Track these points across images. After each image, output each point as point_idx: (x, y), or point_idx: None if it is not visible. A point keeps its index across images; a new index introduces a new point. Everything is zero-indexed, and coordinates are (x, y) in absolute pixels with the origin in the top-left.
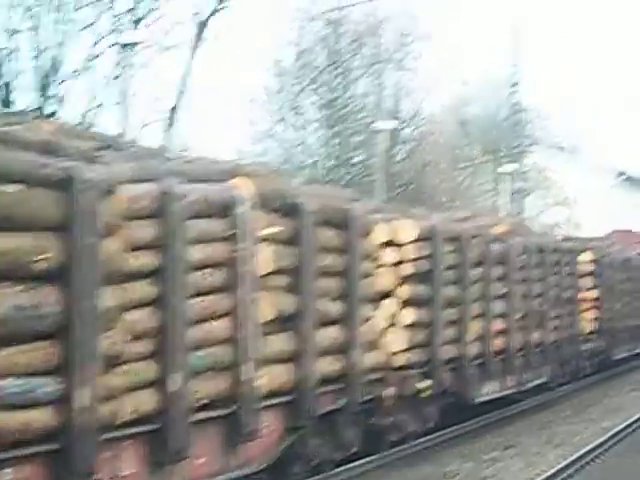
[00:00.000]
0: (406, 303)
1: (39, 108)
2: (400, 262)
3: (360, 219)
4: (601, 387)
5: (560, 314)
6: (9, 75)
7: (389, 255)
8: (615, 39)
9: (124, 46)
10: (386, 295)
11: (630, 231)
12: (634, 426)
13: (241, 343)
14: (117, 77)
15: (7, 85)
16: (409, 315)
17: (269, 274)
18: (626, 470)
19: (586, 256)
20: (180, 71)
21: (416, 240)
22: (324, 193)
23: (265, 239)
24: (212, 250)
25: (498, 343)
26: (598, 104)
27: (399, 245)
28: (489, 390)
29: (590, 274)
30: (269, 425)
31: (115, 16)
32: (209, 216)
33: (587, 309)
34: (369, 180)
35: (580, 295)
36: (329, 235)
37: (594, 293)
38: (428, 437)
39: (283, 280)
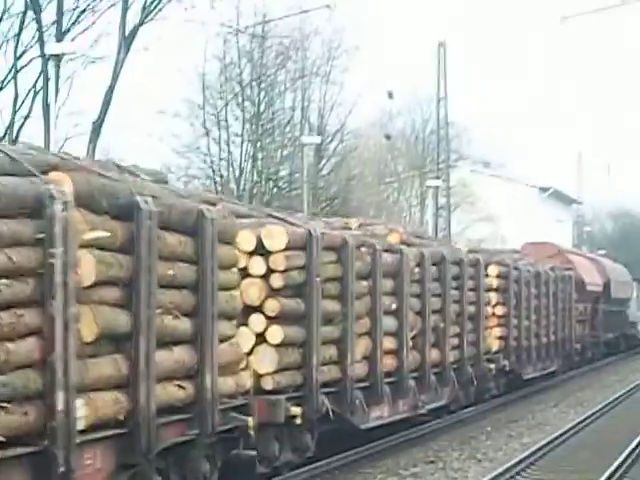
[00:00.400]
0: (276, 319)
1: None
2: (269, 273)
3: (219, 223)
4: (527, 402)
5: (461, 332)
6: None
7: (256, 265)
8: (542, 56)
9: (49, 58)
10: (253, 310)
11: (545, 243)
12: (556, 442)
13: (53, 367)
14: (41, 89)
15: None
16: (278, 333)
17: (93, 285)
18: None
19: (492, 270)
20: (106, 83)
21: (287, 248)
22: (178, 193)
23: (88, 244)
24: (15, 256)
25: (388, 363)
26: (524, 120)
27: (268, 254)
28: (378, 415)
29: (496, 289)
30: (94, 463)
31: (39, 28)
32: (12, 216)
33: (492, 326)
34: (295, 194)
35: (485, 311)
36: (176, 241)
37: (501, 309)
38: (351, 452)
39: (113, 293)
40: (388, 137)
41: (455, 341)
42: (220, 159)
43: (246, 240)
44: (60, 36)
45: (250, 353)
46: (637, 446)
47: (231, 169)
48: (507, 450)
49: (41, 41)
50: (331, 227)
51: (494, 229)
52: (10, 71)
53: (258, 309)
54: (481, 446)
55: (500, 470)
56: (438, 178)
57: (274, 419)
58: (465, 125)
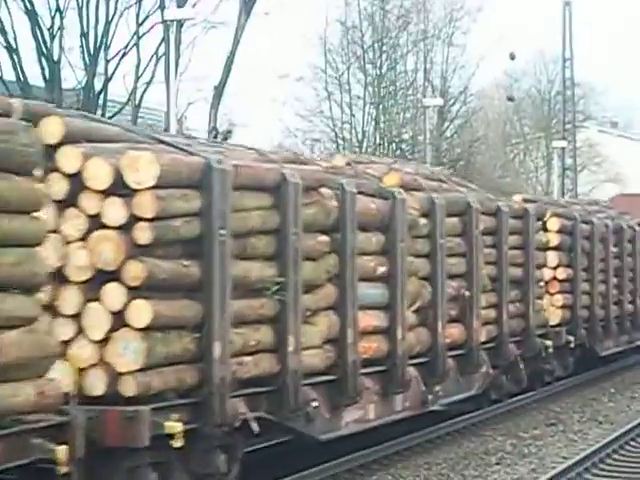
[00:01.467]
0: (144, 290)
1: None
2: (133, 222)
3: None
4: None
5: (500, 301)
6: (57, 53)
7: (112, 210)
8: None
9: (170, 23)
10: (107, 277)
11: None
12: None
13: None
14: (163, 55)
15: (56, 63)
16: (147, 310)
17: None
18: None
19: (552, 223)
20: (227, 48)
21: (161, 185)
22: None
23: None
24: None
25: (372, 347)
26: None
27: (132, 193)
28: (355, 419)
29: (557, 247)
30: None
31: None
32: None
33: (553, 293)
34: (418, 157)
35: (542, 275)
36: None
37: (564, 272)
38: (471, 415)
39: None
40: (511, 99)
41: (491, 314)
42: (342, 122)
43: (98, 173)
44: (181, 2)
45: (104, 341)
46: None
47: (354, 132)
48: (629, 412)
49: (162, 7)
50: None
51: (621, 189)
52: (132, 37)
53: (117, 275)
54: (602, 408)
55: (621, 432)
56: (564, 139)
57: (132, 442)
58: (592, 85)
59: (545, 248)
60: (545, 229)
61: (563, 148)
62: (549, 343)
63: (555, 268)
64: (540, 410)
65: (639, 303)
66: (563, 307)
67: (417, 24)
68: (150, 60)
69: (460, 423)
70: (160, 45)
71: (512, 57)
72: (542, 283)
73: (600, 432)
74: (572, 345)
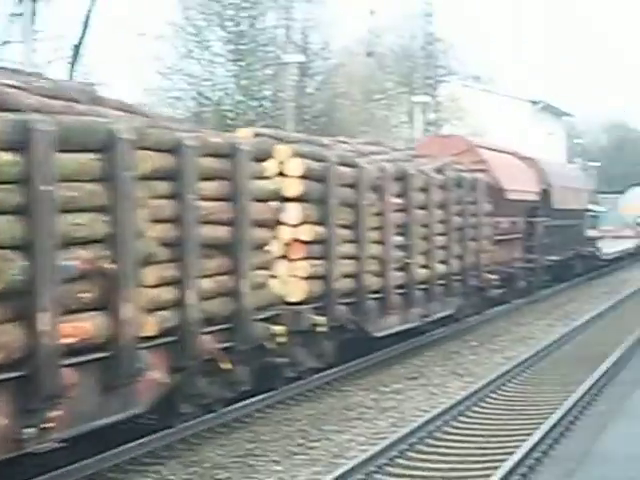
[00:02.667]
0: None
1: None
2: None
3: None
4: (511, 316)
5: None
6: None
7: None
8: None
9: None
10: None
11: (451, 136)
12: (540, 355)
13: None
14: (20, 14)
15: None
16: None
17: None
18: (527, 401)
19: (293, 167)
20: (84, 6)
21: None
22: None
23: None
24: None
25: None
26: (513, 35)
27: None
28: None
29: (300, 198)
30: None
31: None
32: None
33: (293, 259)
34: (279, 114)
35: (269, 235)
36: None
37: (310, 231)
38: (332, 370)
39: None
40: (370, 54)
41: (167, 294)
42: (203, 80)
43: None
44: None
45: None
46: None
47: (214, 90)
48: (490, 365)
49: None
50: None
51: None
52: None
53: None
54: (464, 361)
55: (480, 384)
56: (427, 94)
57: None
58: (453, 41)
59: (280, 199)
60: (282, 174)
61: (425, 103)
62: (280, 329)
63: (297, 226)
64: (402, 364)
65: (438, 268)
66: (311, 278)
67: None
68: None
69: (322, 379)
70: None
71: (372, 12)
72: (269, 247)
73: (461, 385)
74: (324, 328)
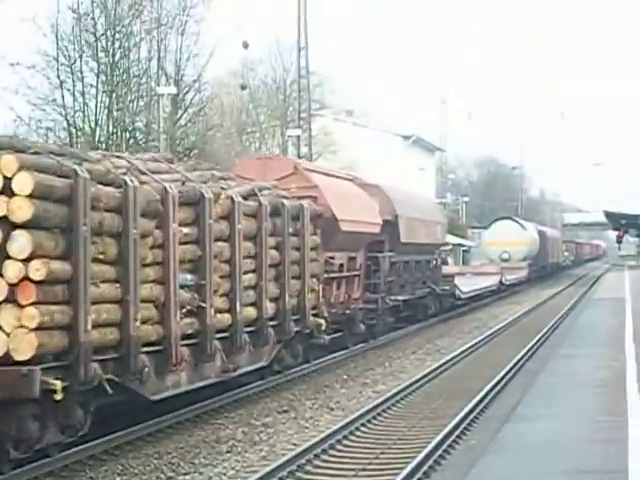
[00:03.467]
0: None
1: None
2: None
3: None
4: (384, 349)
5: None
6: None
7: None
8: (404, 4)
9: None
10: None
11: (276, 158)
12: (410, 389)
13: None
14: None
15: None
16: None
17: None
18: (398, 434)
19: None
20: None
21: None
22: None
23: None
24: None
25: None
26: (387, 69)
27: None
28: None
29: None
30: None
31: None
32: None
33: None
34: (152, 145)
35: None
36: None
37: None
38: (204, 402)
39: None
40: (244, 87)
41: None
42: (75, 111)
43: None
44: None
45: None
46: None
47: (87, 121)
48: (360, 398)
49: None
50: None
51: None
52: None
53: None
54: (335, 394)
55: (351, 418)
56: (300, 127)
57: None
58: (327, 74)
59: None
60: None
61: (298, 136)
62: None
63: (26, 261)
64: (273, 397)
65: (246, 312)
66: (44, 329)
67: (150, 12)
68: None
69: (192, 412)
70: None
71: (245, 45)
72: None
73: (331, 418)
74: (60, 396)
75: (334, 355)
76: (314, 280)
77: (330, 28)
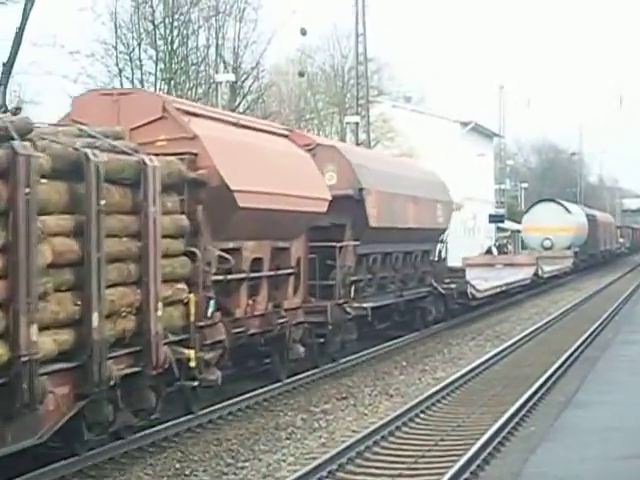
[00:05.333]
0: None
1: None
2: None
3: None
4: (443, 336)
5: None
6: None
7: None
8: None
9: None
10: None
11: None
12: (469, 376)
13: None
14: None
15: None
16: None
17: None
18: (457, 421)
19: None
20: (15, 24)
21: None
22: None
23: None
24: None
25: None
26: (445, 55)
27: None
28: None
29: None
30: None
31: None
32: None
33: None
34: None
35: None
36: None
37: None
38: (263, 390)
39: None
40: (302, 74)
41: None
42: None
43: None
44: None
45: None
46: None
47: None
48: (420, 385)
49: None
50: None
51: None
52: None
53: None
54: (394, 381)
55: (411, 404)
56: (358, 114)
57: None
58: (386, 60)
59: None
60: None
61: (357, 123)
62: None
63: None
64: (332, 384)
65: None
66: None
67: (208, 0)
68: None
69: (252, 399)
70: None
71: (303, 33)
72: None
73: (390, 405)
74: None
75: (392, 342)
76: (179, 287)
77: (388, 14)
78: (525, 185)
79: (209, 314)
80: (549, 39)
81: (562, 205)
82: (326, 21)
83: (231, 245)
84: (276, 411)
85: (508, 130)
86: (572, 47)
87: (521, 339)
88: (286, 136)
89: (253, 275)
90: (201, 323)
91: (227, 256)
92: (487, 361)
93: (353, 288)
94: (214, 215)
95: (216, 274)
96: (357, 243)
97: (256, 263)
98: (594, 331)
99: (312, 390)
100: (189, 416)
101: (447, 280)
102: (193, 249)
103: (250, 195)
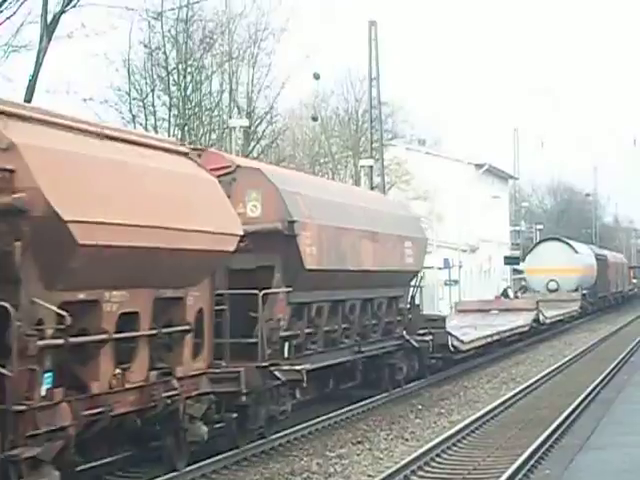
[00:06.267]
0: None
1: None
2: None
3: None
4: (458, 379)
5: None
6: None
7: None
8: (475, 35)
9: None
10: None
11: None
12: (484, 419)
13: None
14: None
15: None
16: None
17: None
18: (473, 465)
19: None
20: (29, 71)
21: None
22: None
23: None
24: None
25: None
26: (459, 99)
27: None
28: None
29: None
30: None
31: None
32: None
33: None
34: None
35: None
36: None
37: None
38: (278, 435)
39: None
40: (315, 118)
41: None
42: None
43: None
44: None
45: None
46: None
47: None
48: (436, 429)
49: None
50: None
51: (430, 207)
52: None
53: None
54: (410, 425)
55: (426, 448)
56: (372, 157)
57: None
58: (400, 104)
59: None
60: None
61: (371, 167)
62: None
63: None
64: (347, 428)
65: None
66: None
67: (221, 45)
68: None
69: (267, 444)
70: None
71: (316, 77)
72: None
73: (406, 449)
74: None
75: (408, 385)
76: None
77: (402, 58)
78: (540, 226)
79: (42, 392)
80: (561, 81)
81: (568, 244)
82: (340, 65)
83: (81, 296)
84: (291, 456)
85: (523, 171)
86: (584, 88)
87: (536, 381)
88: (185, 154)
89: (121, 336)
90: (21, 407)
91: (62, 313)
92: (503, 404)
93: (286, 346)
94: (45, 255)
95: (55, 337)
96: (289, 290)
97: (128, 319)
98: (609, 373)
99: (327, 434)
100: (206, 461)
101: (422, 331)
102: (3, 303)
103: (98, 228)
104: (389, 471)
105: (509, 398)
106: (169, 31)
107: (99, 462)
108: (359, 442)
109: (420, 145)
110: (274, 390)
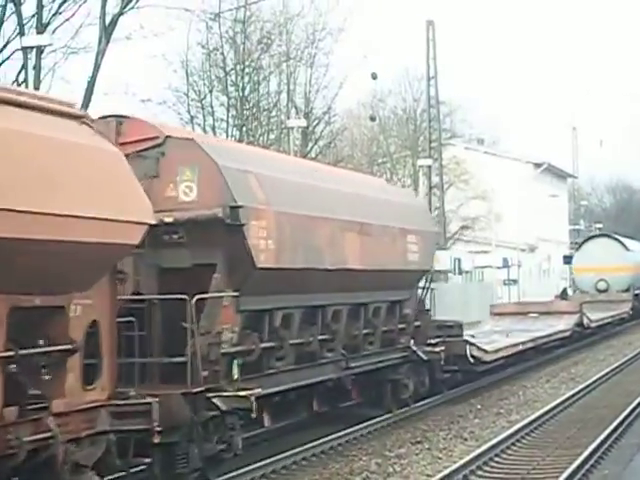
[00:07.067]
0: None
1: None
2: None
3: None
4: (518, 379)
5: None
6: None
7: None
8: (533, 33)
9: (28, 50)
10: None
11: None
12: (543, 418)
13: None
14: (24, 81)
15: None
16: None
17: None
18: (532, 464)
19: None
20: (87, 73)
21: None
22: None
23: None
24: None
25: None
26: (518, 97)
27: None
28: None
29: None
30: None
31: (19, 21)
32: None
33: None
34: None
35: None
36: None
37: None
38: (337, 435)
39: None
40: (373, 118)
41: None
42: None
43: None
44: (41, 28)
45: None
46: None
47: None
48: (495, 428)
49: (21, 33)
50: None
51: (489, 206)
52: None
53: None
54: (469, 425)
55: (485, 448)
56: (430, 157)
57: None
58: (458, 103)
59: None
60: None
61: (429, 166)
62: None
63: None
64: (406, 428)
65: None
66: None
67: (279, 45)
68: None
69: (326, 444)
70: (20, 72)
71: (374, 77)
72: None
73: (465, 449)
74: None
75: (467, 385)
76: None
77: (459, 57)
78: (599, 225)
79: None
80: (619, 77)
81: (618, 241)
82: (397, 65)
83: None
84: (350, 455)
85: (582, 170)
86: None
87: (596, 381)
88: (79, 118)
89: None
90: None
91: None
92: (562, 403)
93: (235, 365)
94: None
95: None
96: (235, 294)
97: None
98: None
99: (386, 434)
100: (264, 461)
101: (433, 340)
102: None
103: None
104: (448, 471)
105: (568, 397)
106: (227, 32)
107: None
108: (418, 442)
109: (479, 144)
110: (213, 423)
